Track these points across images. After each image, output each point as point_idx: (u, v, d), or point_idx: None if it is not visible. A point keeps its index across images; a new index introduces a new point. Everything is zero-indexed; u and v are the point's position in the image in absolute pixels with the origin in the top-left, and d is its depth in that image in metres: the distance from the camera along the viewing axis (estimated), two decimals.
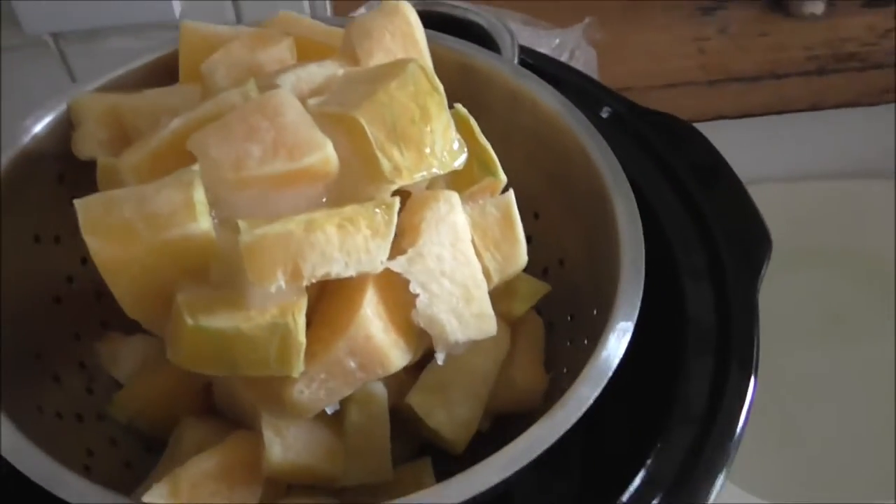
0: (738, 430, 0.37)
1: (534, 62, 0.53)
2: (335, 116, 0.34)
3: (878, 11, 0.87)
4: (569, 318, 0.43)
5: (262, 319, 0.31)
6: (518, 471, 0.31)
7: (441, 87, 0.35)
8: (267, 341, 0.31)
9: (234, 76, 0.38)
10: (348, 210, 0.32)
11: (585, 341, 0.39)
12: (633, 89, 0.83)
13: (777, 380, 0.66)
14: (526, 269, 0.40)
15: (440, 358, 0.36)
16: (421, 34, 0.39)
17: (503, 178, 0.39)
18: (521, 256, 0.39)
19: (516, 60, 0.50)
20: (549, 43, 0.73)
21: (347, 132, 0.34)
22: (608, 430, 0.40)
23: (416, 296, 0.34)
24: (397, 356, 0.34)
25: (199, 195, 0.31)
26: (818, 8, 0.86)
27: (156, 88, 0.41)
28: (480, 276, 0.36)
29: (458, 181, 0.38)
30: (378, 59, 0.37)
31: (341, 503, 0.38)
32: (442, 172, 0.35)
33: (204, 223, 0.31)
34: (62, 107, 0.41)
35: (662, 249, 0.44)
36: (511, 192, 0.39)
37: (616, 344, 0.34)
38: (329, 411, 0.35)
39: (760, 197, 0.46)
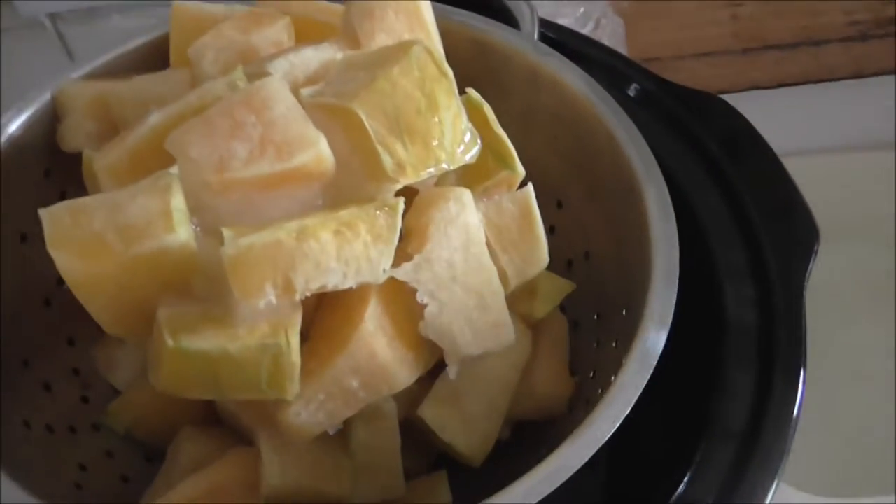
0: (785, 447, 0.36)
1: (556, 37, 0.52)
2: (331, 108, 0.32)
3: None
4: (595, 316, 0.42)
5: (250, 339, 0.29)
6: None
7: (450, 72, 0.34)
8: (257, 363, 0.30)
9: (223, 61, 0.37)
10: (346, 214, 0.30)
11: (614, 344, 0.37)
12: (662, 59, 0.83)
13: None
14: (549, 264, 0.39)
15: (452, 372, 0.35)
16: (428, 11, 0.37)
17: (521, 171, 0.37)
18: (542, 257, 0.38)
19: (536, 35, 0.48)
20: (573, 12, 0.73)
21: (345, 126, 0.32)
22: (641, 445, 0.38)
23: (425, 306, 0.33)
24: (404, 374, 0.33)
25: (178, 201, 0.30)
26: None
27: (145, 75, 0.40)
28: (496, 282, 0.35)
29: (470, 176, 0.36)
30: (380, 40, 0.36)
31: None
32: (452, 167, 0.33)
33: (183, 233, 0.29)
34: (46, 97, 0.40)
35: (697, 242, 0.43)
36: (530, 187, 0.38)
37: (648, 356, 0.32)
38: (331, 432, 0.33)
39: (799, 170, 0.45)
